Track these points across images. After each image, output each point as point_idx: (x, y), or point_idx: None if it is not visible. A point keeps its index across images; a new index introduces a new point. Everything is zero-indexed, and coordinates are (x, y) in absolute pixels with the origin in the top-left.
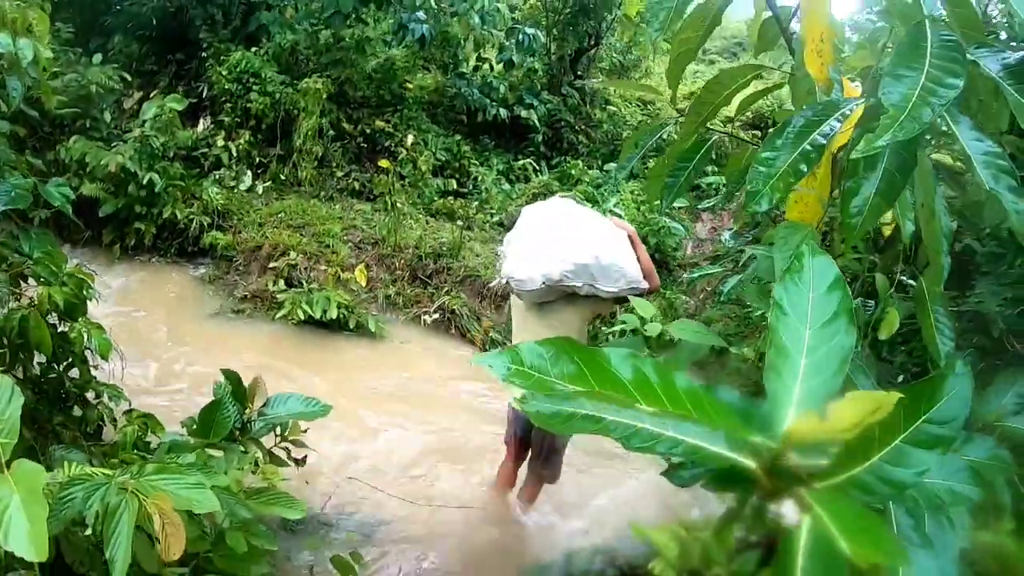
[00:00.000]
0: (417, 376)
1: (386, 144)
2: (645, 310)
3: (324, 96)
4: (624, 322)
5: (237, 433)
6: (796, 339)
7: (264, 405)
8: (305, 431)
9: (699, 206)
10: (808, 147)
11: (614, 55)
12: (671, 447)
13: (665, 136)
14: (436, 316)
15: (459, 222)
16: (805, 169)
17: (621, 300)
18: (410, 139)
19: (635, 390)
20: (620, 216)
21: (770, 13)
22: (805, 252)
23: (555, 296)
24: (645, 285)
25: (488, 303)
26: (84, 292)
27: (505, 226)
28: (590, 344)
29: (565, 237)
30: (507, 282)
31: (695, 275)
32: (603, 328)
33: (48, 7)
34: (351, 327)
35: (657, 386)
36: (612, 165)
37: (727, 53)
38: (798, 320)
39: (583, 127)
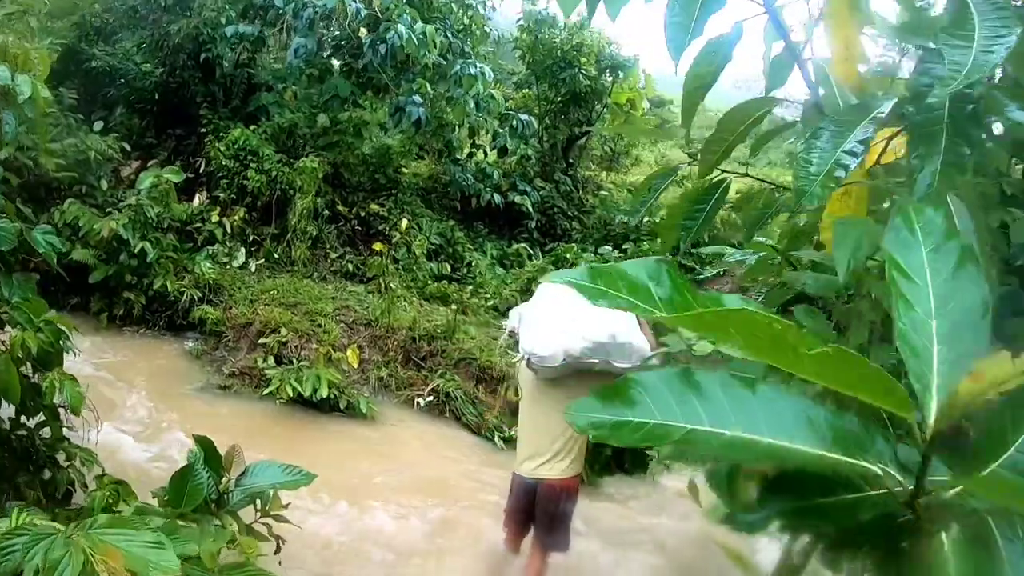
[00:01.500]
0: (409, 460)
1: (380, 228)
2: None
3: (320, 176)
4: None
5: (213, 505)
6: (921, 301)
7: (242, 475)
8: (287, 506)
9: (702, 275)
10: (853, 144)
11: (606, 144)
12: (749, 454)
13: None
14: (430, 399)
15: (453, 306)
16: (851, 164)
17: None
18: (404, 223)
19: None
20: None
21: (777, 52)
22: (910, 206)
23: (567, 373)
24: (655, 362)
25: (484, 387)
26: (61, 342)
27: (501, 311)
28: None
29: (582, 316)
30: (528, 357)
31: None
32: None
33: (52, 55)
34: (341, 408)
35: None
36: (607, 248)
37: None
38: (919, 279)
39: (576, 213)
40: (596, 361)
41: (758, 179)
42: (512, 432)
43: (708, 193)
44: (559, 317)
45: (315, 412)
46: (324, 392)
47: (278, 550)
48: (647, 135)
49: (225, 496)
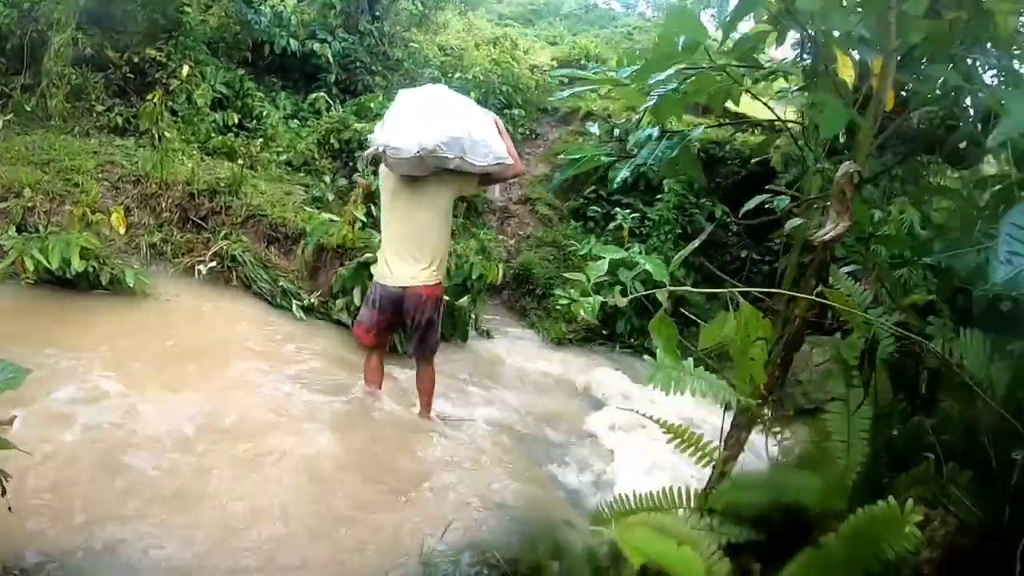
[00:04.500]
0: (190, 339)
1: (157, 76)
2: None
3: (81, 3)
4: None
5: None
6: None
7: None
8: (10, 422)
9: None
10: None
11: (416, 1)
12: None
13: None
14: (213, 264)
15: (240, 160)
16: None
17: (486, 179)
18: (186, 70)
19: None
20: None
21: None
22: None
23: (425, 171)
24: (510, 161)
25: (277, 248)
26: None
27: (295, 166)
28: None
29: (440, 114)
30: (383, 150)
31: (571, 158)
32: None
33: None
34: (104, 283)
35: None
36: None
37: (522, 19)
38: None
39: (380, 68)
40: (451, 157)
41: None
42: (312, 299)
43: None
44: (418, 115)
45: (71, 292)
46: (77, 264)
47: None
48: None
49: None
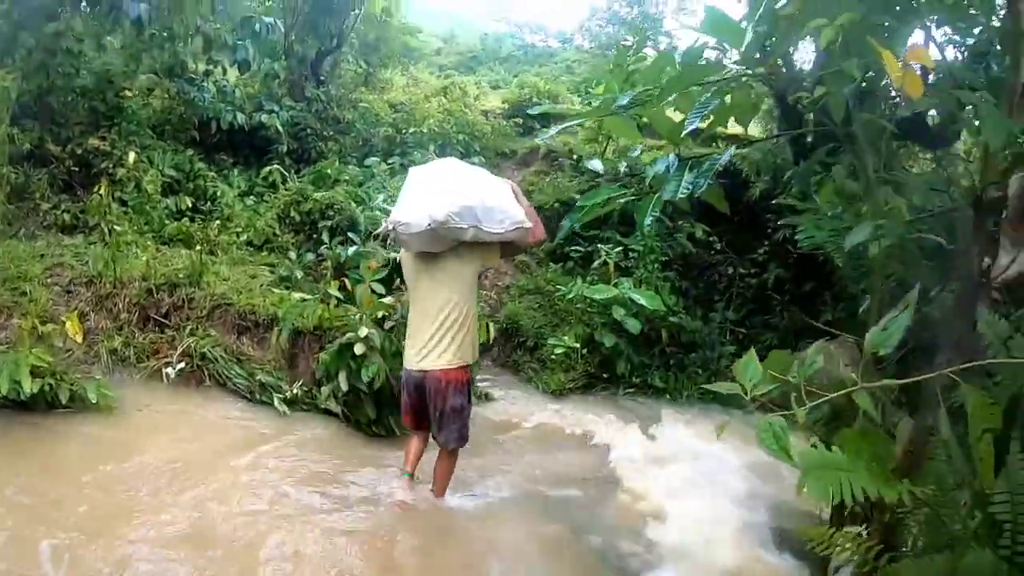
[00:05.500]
0: (165, 458)
1: (103, 166)
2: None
3: (13, 96)
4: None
5: None
6: None
7: None
8: None
9: None
10: None
11: (359, 59)
12: None
13: None
14: (182, 366)
15: (198, 246)
16: None
17: (508, 248)
18: (132, 157)
19: None
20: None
21: None
22: None
23: (442, 247)
24: (529, 225)
25: (249, 337)
26: None
27: (257, 246)
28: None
29: (449, 184)
30: (392, 228)
31: (588, 202)
32: None
33: None
34: (64, 401)
35: None
36: (374, 160)
37: (463, 68)
38: None
39: (332, 133)
40: (465, 227)
41: None
42: (294, 390)
43: None
44: (427, 189)
45: (26, 415)
46: (28, 385)
47: None
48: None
49: None
